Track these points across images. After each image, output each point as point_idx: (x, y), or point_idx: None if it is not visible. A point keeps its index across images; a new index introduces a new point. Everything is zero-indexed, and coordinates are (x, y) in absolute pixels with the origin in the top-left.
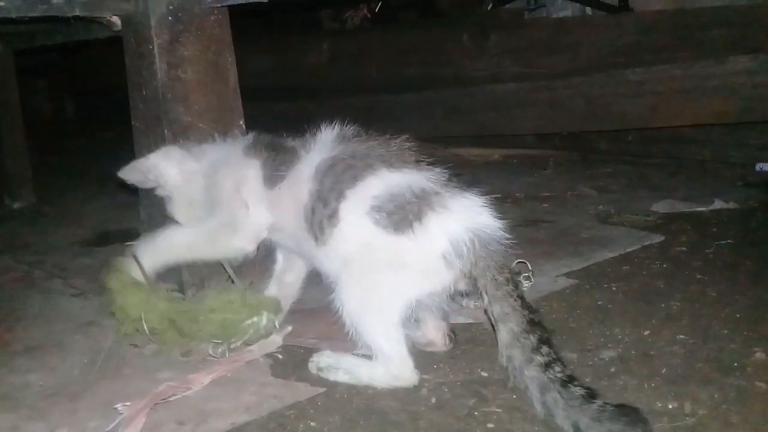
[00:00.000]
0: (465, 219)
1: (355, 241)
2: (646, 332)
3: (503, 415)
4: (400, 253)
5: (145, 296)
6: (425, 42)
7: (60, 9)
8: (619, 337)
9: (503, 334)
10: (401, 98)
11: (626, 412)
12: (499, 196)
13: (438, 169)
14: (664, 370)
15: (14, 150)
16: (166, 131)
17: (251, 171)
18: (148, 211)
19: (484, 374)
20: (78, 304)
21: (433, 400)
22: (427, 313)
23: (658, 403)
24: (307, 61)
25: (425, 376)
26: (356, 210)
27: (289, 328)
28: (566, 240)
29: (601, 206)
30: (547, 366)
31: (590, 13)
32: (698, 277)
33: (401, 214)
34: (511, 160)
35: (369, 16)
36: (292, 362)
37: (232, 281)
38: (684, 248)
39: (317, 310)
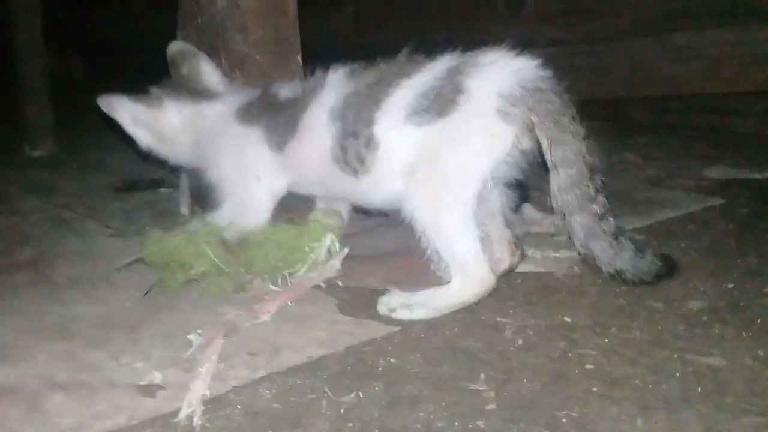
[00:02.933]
0: (503, 68)
1: (405, 153)
2: (730, 285)
3: (600, 358)
4: (457, 132)
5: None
6: (456, 6)
7: None
8: (702, 289)
9: (562, 179)
10: None
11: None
12: (539, 160)
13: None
14: (759, 320)
15: (35, 96)
16: (223, 61)
17: (252, 141)
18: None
19: (567, 320)
20: (119, 244)
21: (520, 341)
22: (491, 223)
23: (760, 351)
24: (330, 25)
25: (504, 320)
26: (394, 125)
27: (346, 250)
28: (622, 201)
29: (649, 171)
30: (601, 217)
31: None
32: None
33: (439, 100)
34: None
35: None
36: (359, 302)
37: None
38: (746, 210)
39: (374, 257)
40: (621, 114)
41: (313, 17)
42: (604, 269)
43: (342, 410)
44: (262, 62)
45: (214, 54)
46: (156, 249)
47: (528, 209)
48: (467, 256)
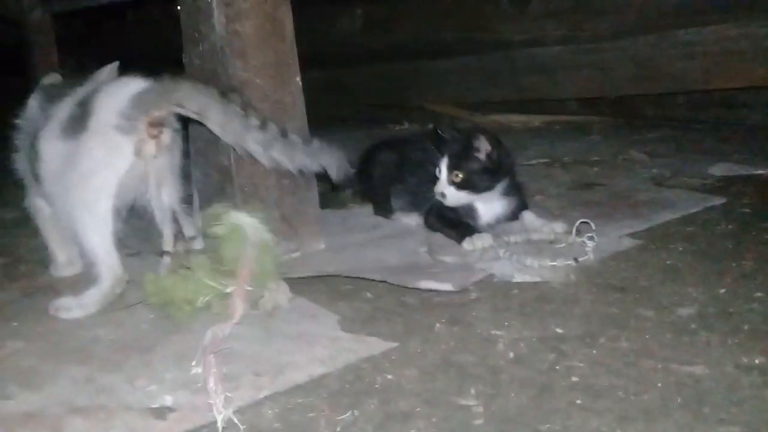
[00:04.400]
0: (119, 90)
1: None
2: (722, 290)
3: (586, 370)
4: (85, 147)
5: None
6: (462, 6)
7: None
8: (694, 295)
9: (218, 121)
10: (438, 64)
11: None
12: (547, 160)
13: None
14: (746, 327)
15: None
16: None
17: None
18: (203, 169)
19: (560, 330)
20: (135, 263)
21: (511, 354)
22: (162, 217)
23: (744, 358)
24: (339, 28)
25: (498, 332)
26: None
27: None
28: (623, 202)
29: (654, 170)
30: (262, 125)
31: None
32: (767, 237)
33: (76, 119)
34: (554, 127)
35: None
36: (360, 317)
37: None
38: (748, 209)
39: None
40: (629, 110)
41: (322, 21)
42: (295, 171)
43: (338, 428)
44: (262, 85)
45: (215, 79)
46: (154, 291)
47: (528, 216)
48: (99, 254)
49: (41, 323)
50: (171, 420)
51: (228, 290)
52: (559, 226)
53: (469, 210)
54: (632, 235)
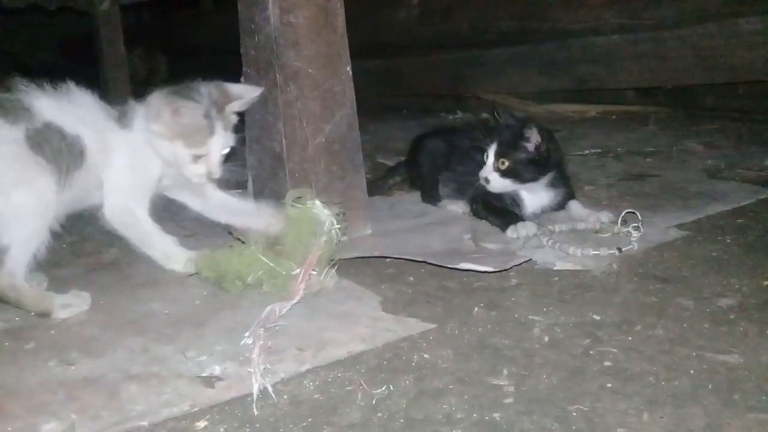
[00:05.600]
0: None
1: None
2: (766, 282)
3: (619, 355)
4: None
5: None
6: None
7: None
8: (737, 286)
9: None
10: (494, 53)
11: None
12: (600, 150)
13: None
14: None
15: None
16: (278, 75)
17: None
18: (257, 156)
19: (597, 317)
20: (191, 245)
21: (546, 339)
22: None
23: None
24: (396, 17)
25: (535, 317)
26: None
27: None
28: (674, 194)
29: (709, 161)
30: None
31: None
32: None
33: None
34: (610, 116)
35: None
36: (401, 300)
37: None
38: None
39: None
40: (689, 100)
41: (378, 12)
42: None
43: (374, 401)
44: (314, 75)
45: (270, 69)
46: (207, 264)
47: (575, 206)
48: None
49: (103, 297)
50: (219, 388)
51: (295, 272)
52: (604, 216)
53: (514, 199)
54: (680, 227)
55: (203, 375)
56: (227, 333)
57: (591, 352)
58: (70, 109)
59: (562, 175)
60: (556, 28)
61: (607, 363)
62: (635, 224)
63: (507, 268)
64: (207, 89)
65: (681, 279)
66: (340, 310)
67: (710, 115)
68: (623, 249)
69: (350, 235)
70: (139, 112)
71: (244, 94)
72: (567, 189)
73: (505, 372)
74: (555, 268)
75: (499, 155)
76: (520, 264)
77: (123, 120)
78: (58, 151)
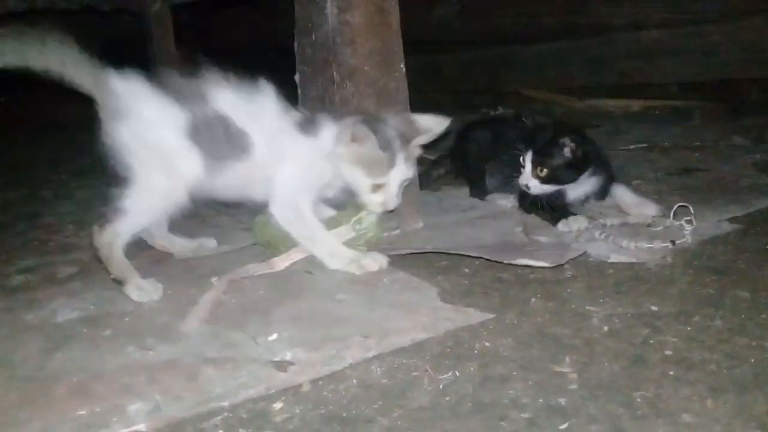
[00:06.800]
0: None
1: None
2: None
3: (679, 344)
4: None
5: None
6: None
7: None
8: None
9: None
10: (536, 49)
11: None
12: (645, 145)
13: None
14: None
15: None
16: (335, 74)
17: None
18: None
19: (654, 308)
20: (247, 236)
21: (605, 328)
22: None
23: None
24: (436, 13)
25: (592, 308)
26: None
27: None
28: (724, 188)
29: (758, 155)
30: None
31: None
32: None
33: None
34: (653, 111)
35: None
36: (458, 291)
37: None
38: None
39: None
40: (734, 95)
41: (419, 8)
42: None
43: (441, 386)
44: (370, 72)
45: (327, 67)
46: (259, 232)
47: (620, 191)
48: None
49: (171, 286)
50: (291, 372)
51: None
52: (651, 209)
53: (558, 190)
54: (732, 220)
55: (275, 360)
56: (293, 321)
57: (651, 341)
58: (246, 104)
59: (601, 161)
60: (598, 23)
61: (667, 352)
62: (687, 218)
63: (563, 262)
64: (395, 121)
65: (736, 271)
66: (399, 300)
67: (755, 109)
68: (677, 242)
69: (403, 228)
70: (330, 127)
71: (432, 127)
72: (608, 174)
73: (567, 360)
74: (609, 261)
75: (536, 164)
76: (575, 257)
77: (307, 128)
78: (217, 141)
